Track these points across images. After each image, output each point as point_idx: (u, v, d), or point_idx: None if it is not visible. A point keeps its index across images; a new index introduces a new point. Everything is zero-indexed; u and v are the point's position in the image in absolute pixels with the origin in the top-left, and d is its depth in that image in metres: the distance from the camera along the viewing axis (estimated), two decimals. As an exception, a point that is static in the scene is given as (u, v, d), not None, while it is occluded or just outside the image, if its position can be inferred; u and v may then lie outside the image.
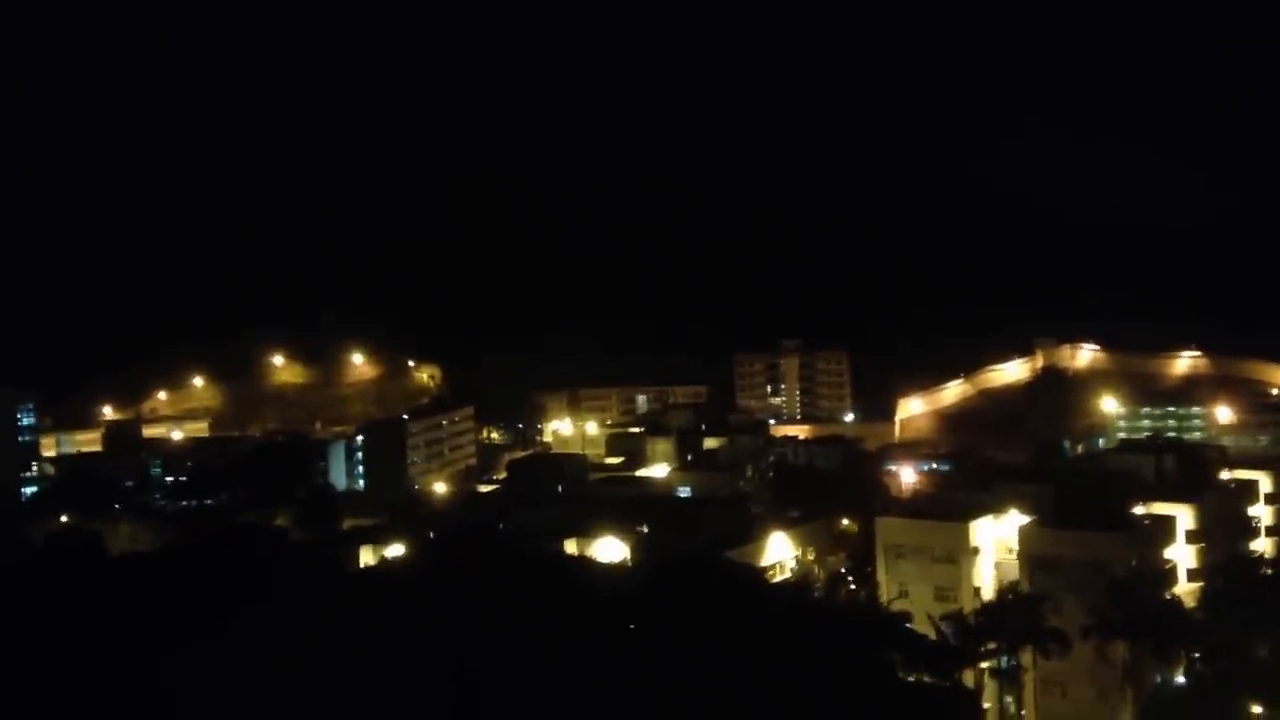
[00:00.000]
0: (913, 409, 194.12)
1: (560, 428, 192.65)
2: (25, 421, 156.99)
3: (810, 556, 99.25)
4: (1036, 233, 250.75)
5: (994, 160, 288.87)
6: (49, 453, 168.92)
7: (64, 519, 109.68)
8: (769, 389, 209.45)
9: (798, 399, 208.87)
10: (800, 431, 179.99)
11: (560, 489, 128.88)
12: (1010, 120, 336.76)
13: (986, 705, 75.46)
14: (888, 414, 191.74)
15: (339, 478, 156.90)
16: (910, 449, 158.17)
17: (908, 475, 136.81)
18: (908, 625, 73.85)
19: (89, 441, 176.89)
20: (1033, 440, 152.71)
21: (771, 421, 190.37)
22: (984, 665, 74.86)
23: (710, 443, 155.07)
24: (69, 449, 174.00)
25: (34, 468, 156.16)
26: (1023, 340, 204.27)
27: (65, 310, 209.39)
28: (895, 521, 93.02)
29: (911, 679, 65.66)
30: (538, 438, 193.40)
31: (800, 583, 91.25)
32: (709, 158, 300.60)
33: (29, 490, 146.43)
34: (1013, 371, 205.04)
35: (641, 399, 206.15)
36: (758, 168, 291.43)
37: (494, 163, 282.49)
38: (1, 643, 51.47)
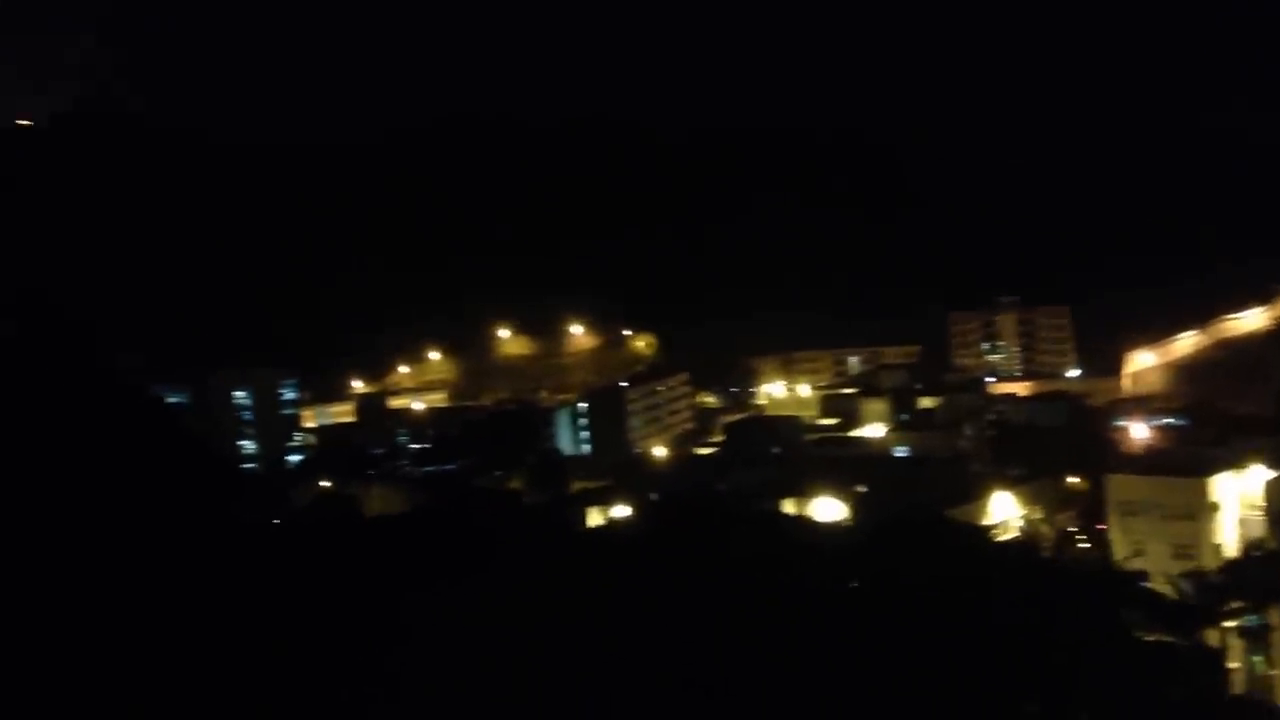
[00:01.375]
0: (1142, 362, 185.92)
1: (773, 390, 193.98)
2: (288, 395, 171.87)
3: (1037, 515, 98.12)
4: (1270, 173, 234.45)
5: (1220, 101, 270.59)
6: (309, 424, 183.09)
7: (324, 484, 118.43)
8: (986, 346, 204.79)
9: (1017, 355, 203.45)
10: (1020, 388, 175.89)
11: (776, 450, 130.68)
12: (1234, 52, 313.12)
13: (1232, 665, 73.47)
14: (1115, 368, 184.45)
15: (565, 443, 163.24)
16: (1141, 403, 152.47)
17: (1139, 431, 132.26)
18: (1144, 584, 72.58)
19: (343, 413, 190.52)
20: (1274, 392, 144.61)
21: (990, 379, 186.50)
22: (1228, 624, 72.88)
23: (926, 402, 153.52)
24: (326, 420, 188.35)
25: (296, 438, 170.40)
26: (1263, 287, 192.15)
27: (319, 290, 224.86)
28: (1128, 478, 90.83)
29: (1151, 639, 64.76)
30: (751, 401, 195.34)
31: (1027, 542, 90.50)
32: (912, 117, 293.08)
33: (293, 459, 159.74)
34: (1251, 320, 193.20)
35: (853, 360, 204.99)
36: (962, 123, 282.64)
37: (699, 132, 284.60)
38: (275, 597, 57.68)
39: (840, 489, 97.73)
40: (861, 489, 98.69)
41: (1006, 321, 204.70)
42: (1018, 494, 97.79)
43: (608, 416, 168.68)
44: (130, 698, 42.18)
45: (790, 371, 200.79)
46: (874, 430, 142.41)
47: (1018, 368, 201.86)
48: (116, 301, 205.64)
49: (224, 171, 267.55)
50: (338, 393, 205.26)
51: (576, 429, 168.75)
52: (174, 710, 42.62)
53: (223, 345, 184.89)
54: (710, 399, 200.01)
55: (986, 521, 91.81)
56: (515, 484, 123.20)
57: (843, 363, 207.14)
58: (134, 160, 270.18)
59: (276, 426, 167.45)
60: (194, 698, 43.85)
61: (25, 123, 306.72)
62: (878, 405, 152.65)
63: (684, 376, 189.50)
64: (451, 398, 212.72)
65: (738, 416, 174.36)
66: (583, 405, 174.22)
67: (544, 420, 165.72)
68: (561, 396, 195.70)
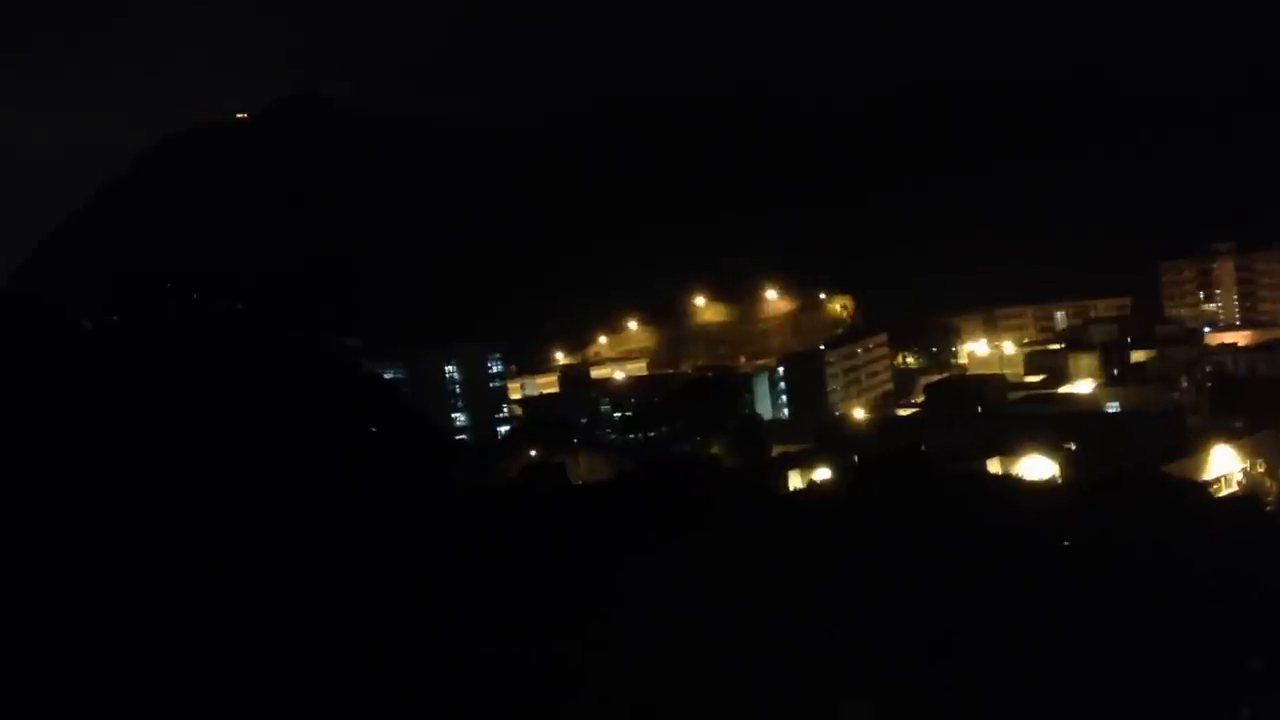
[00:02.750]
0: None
1: (976, 349, 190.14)
2: (495, 370, 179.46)
3: (1259, 469, 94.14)
4: None
5: None
6: (515, 396, 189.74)
7: (532, 453, 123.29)
8: (1201, 296, 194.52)
9: (1235, 304, 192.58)
10: (1240, 338, 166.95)
11: (979, 409, 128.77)
12: None
13: None
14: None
15: (764, 408, 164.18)
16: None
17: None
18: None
19: (547, 385, 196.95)
20: None
21: (1206, 330, 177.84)
22: None
23: (1137, 356, 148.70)
24: (531, 392, 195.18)
25: (504, 410, 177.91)
26: None
27: (520, 268, 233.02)
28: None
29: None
30: (953, 360, 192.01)
31: (1249, 497, 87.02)
32: (1108, 59, 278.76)
33: (502, 429, 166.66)
34: None
35: (1060, 315, 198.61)
36: (1162, 61, 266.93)
37: (890, 89, 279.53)
38: (490, 557, 61.45)
39: (1049, 447, 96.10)
40: (1071, 446, 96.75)
41: (1223, 269, 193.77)
42: (1238, 447, 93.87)
43: (806, 380, 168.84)
44: (357, 636, 46.56)
45: (993, 329, 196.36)
46: (1083, 386, 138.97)
47: (1236, 317, 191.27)
48: (334, 285, 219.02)
49: (427, 155, 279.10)
50: (542, 365, 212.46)
51: (775, 393, 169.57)
52: (397, 652, 46.77)
53: (433, 323, 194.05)
54: (910, 359, 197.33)
55: (1205, 477, 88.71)
56: (716, 449, 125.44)
57: (1048, 318, 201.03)
58: (341, 146, 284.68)
59: (485, 399, 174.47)
60: (414, 644, 47.89)
61: (242, 115, 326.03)
62: (1087, 360, 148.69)
63: (882, 338, 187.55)
64: (650, 366, 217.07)
65: (939, 376, 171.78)
66: (780, 370, 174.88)
67: (742, 386, 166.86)
68: (759, 362, 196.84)
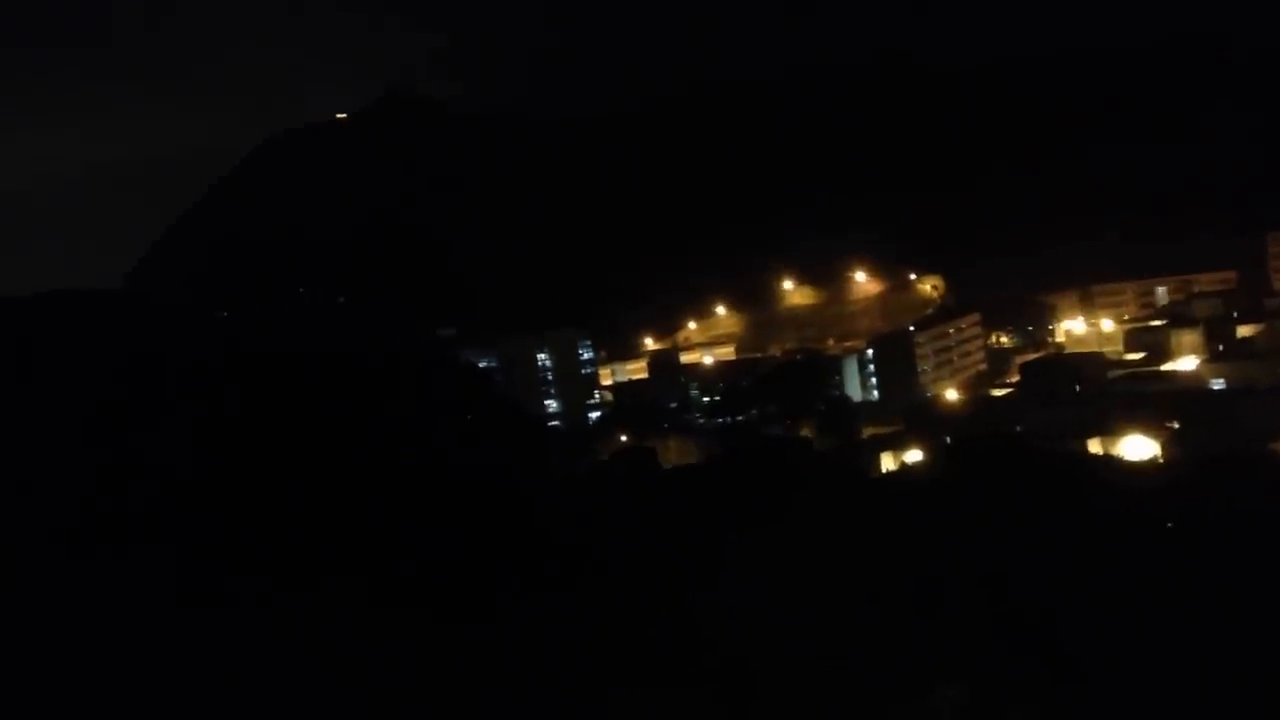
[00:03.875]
0: None
1: (1072, 327, 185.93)
2: (586, 356, 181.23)
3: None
4: None
5: None
6: (606, 382, 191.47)
7: (623, 438, 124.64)
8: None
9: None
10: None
11: (1078, 389, 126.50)
12: None
13: None
14: None
15: (853, 390, 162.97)
16: None
17: None
18: None
19: (637, 370, 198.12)
20: None
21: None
22: None
23: (1244, 330, 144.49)
24: (621, 378, 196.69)
25: (596, 395, 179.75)
26: None
27: (609, 255, 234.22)
28: None
29: None
30: (1049, 339, 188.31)
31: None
32: (1221, 31, 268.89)
33: (593, 415, 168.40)
34: None
35: (1161, 290, 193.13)
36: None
37: (976, 61, 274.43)
38: (585, 533, 62.56)
39: (1150, 426, 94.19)
40: (1174, 425, 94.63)
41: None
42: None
43: (895, 361, 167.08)
44: (458, 613, 47.98)
45: (1090, 306, 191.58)
46: (1186, 363, 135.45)
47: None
48: (431, 276, 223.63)
49: (520, 148, 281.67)
50: (631, 351, 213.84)
51: (865, 375, 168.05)
52: (491, 628, 48.05)
53: (525, 311, 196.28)
54: (1004, 339, 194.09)
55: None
56: (805, 431, 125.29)
57: (1149, 294, 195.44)
58: (436, 142, 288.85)
59: (577, 385, 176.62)
60: (509, 619, 49.06)
61: (341, 116, 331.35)
62: (1190, 336, 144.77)
63: (975, 317, 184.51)
64: (739, 350, 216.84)
65: (1034, 355, 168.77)
66: (869, 351, 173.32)
67: (832, 368, 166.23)
68: (848, 344, 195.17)
